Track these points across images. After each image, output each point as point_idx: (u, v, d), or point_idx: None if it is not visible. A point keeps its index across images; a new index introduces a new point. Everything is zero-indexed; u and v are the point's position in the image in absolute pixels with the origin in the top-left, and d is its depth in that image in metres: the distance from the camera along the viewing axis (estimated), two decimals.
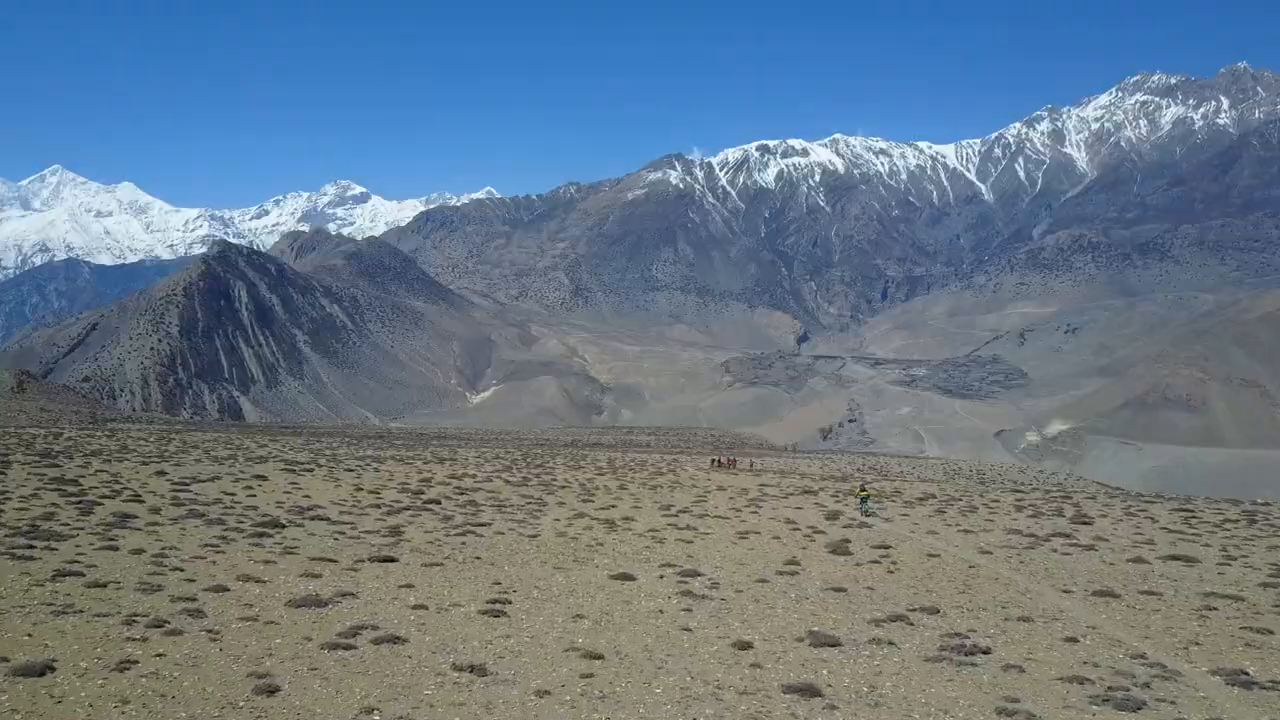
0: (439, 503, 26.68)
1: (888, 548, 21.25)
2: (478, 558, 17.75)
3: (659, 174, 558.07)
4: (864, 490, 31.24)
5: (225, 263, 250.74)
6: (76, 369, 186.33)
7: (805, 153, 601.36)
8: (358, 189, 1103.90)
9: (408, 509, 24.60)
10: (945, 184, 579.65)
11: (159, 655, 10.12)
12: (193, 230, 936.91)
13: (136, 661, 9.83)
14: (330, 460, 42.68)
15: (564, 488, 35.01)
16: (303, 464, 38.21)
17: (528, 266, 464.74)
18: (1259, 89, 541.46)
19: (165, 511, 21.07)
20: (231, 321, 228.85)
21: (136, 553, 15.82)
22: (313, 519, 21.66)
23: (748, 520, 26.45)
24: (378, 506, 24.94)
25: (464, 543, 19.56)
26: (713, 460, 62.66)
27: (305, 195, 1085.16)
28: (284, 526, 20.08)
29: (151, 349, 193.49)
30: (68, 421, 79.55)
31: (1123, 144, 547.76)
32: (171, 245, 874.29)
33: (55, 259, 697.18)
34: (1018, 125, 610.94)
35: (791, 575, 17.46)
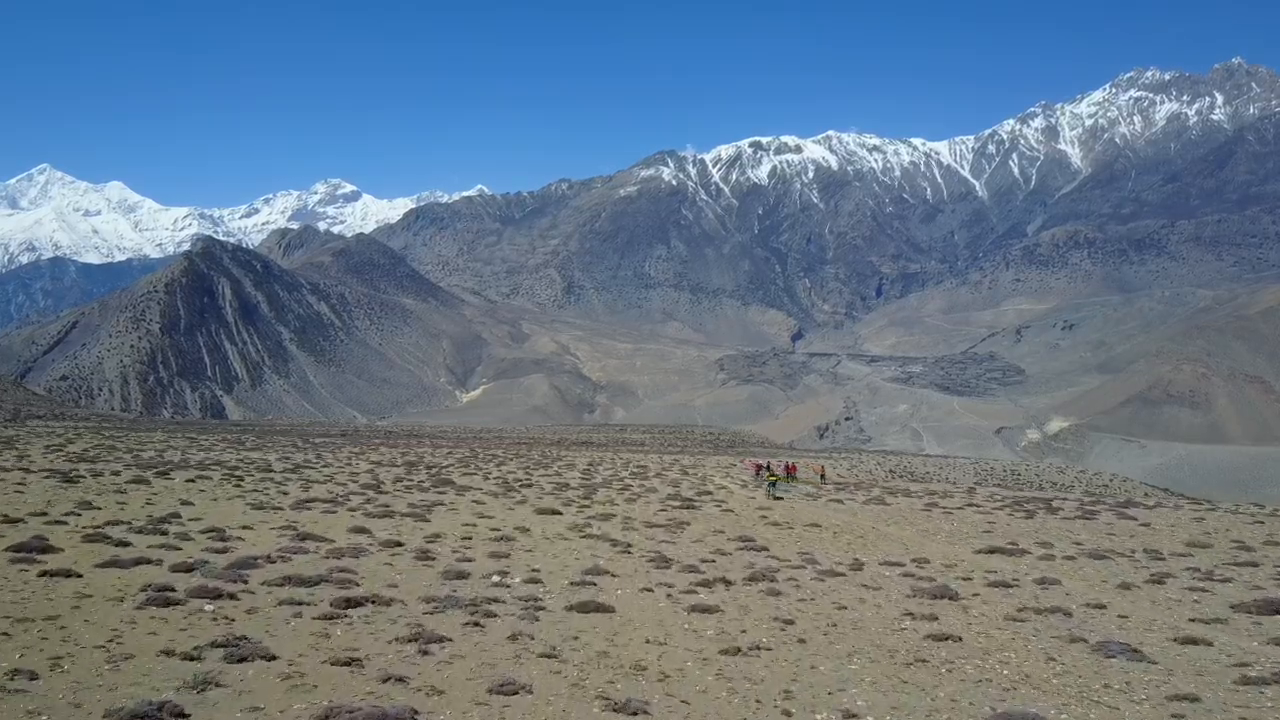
0: None
1: None
2: None
3: (652, 170, 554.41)
4: (772, 475, 34.19)
5: (209, 259, 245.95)
6: (55, 368, 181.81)
7: (798, 149, 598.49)
8: (349, 187, 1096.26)
9: None
10: (939, 181, 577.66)
11: None
12: (182, 229, 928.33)
13: None
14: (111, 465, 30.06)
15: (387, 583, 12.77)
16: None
17: (519, 264, 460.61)
18: (1253, 85, 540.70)
19: None
20: (215, 319, 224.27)
21: None
22: None
23: None
24: None
25: None
26: (758, 467, 42.12)
27: (296, 194, 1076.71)
28: None
29: (131, 347, 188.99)
30: None
31: (1117, 140, 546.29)
32: (160, 244, 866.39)
33: (42, 258, 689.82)
34: (1011, 122, 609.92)
35: None
